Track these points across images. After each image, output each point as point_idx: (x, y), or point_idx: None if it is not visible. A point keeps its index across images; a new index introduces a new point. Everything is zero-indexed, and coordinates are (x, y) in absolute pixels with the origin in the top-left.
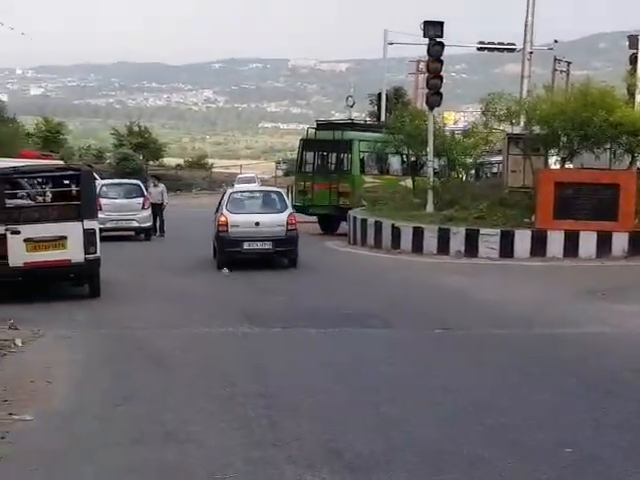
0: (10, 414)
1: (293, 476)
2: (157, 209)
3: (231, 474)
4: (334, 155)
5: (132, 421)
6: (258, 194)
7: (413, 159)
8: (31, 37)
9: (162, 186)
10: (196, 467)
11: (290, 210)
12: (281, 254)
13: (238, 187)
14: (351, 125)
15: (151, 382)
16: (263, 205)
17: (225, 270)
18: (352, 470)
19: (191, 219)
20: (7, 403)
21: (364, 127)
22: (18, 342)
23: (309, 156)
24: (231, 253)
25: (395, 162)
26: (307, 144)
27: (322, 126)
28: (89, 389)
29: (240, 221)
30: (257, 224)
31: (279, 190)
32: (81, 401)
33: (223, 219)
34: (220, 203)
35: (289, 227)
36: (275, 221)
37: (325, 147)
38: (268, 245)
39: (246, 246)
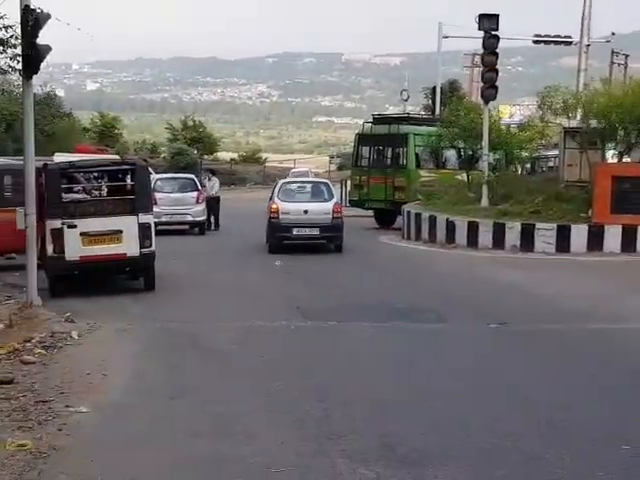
0: (67, 406)
1: (347, 470)
2: (212, 203)
3: (285, 468)
4: (390, 149)
5: (187, 414)
6: (307, 184)
7: (469, 153)
8: (91, 35)
9: (215, 179)
10: (250, 460)
11: (336, 200)
12: (327, 240)
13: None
14: (407, 119)
15: (205, 375)
16: (311, 195)
17: (278, 262)
18: (406, 464)
19: (245, 213)
20: (64, 395)
21: (420, 121)
22: (74, 335)
23: (365, 150)
24: (281, 238)
25: (451, 156)
26: (363, 138)
27: (378, 120)
28: (144, 382)
29: (290, 209)
30: (305, 212)
31: (326, 181)
32: (136, 394)
33: (275, 207)
34: (273, 193)
35: (335, 215)
36: (322, 209)
37: (381, 141)
38: (315, 231)
39: (295, 232)
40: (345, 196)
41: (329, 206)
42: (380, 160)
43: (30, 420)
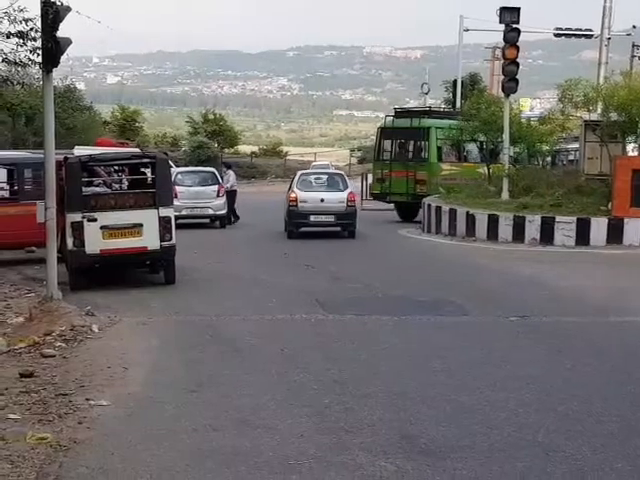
0: (87, 399)
1: (367, 462)
2: (229, 196)
3: (305, 460)
4: (411, 143)
5: (207, 407)
6: (323, 175)
7: (491, 146)
8: (111, 27)
9: (230, 173)
10: (270, 453)
11: (350, 189)
12: (342, 226)
13: None
14: (428, 112)
15: (225, 368)
16: (327, 185)
17: (285, 253)
18: (426, 456)
19: (265, 207)
20: (84, 388)
21: (441, 114)
22: (95, 328)
23: (387, 144)
24: (300, 224)
25: (473, 149)
26: (385, 132)
27: (400, 114)
28: (164, 375)
29: (308, 197)
30: (322, 200)
31: (341, 172)
32: (156, 387)
33: (294, 196)
34: (292, 183)
35: (349, 204)
36: (337, 198)
37: (402, 135)
38: (331, 218)
39: (312, 218)
40: (366, 189)
41: (344, 195)
42: (402, 153)
43: (50, 413)
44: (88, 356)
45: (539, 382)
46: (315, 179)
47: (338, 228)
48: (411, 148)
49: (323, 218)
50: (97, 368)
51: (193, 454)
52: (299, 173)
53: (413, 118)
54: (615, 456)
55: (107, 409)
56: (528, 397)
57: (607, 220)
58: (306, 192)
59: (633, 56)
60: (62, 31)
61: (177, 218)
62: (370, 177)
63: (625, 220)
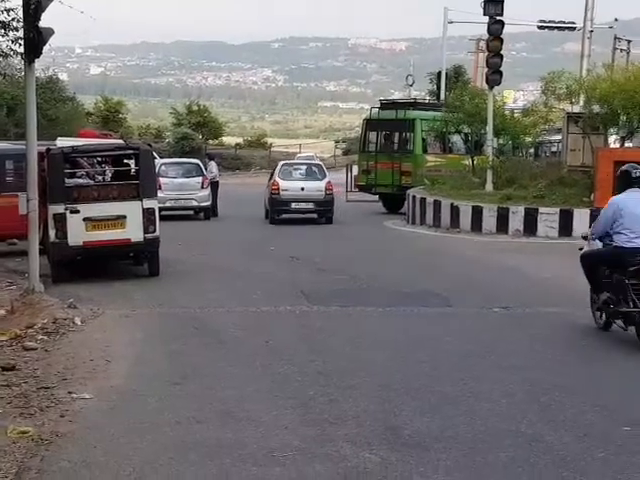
0: (69, 392)
1: (351, 454)
2: (211, 188)
3: (289, 452)
4: (397, 134)
5: (190, 399)
6: (303, 166)
7: (475, 138)
8: (93, 17)
9: (212, 164)
10: (254, 445)
11: (328, 179)
12: (320, 213)
13: None
14: (414, 104)
15: (209, 361)
16: (307, 174)
17: (272, 248)
18: (410, 447)
19: (251, 198)
20: (66, 382)
21: (427, 106)
22: (77, 321)
23: (372, 135)
24: (281, 211)
25: (457, 141)
26: (370, 124)
27: (385, 105)
28: (147, 368)
29: (289, 186)
30: (302, 189)
31: (320, 163)
32: (140, 379)
33: (276, 184)
34: (273, 173)
35: (327, 192)
36: (316, 187)
37: (388, 126)
38: (310, 205)
39: (293, 205)
40: (351, 181)
41: (322, 184)
42: (387, 145)
43: (32, 407)
44: (70, 349)
45: (522, 373)
46: (295, 169)
47: (315, 215)
48: (396, 140)
49: (303, 205)
50: (79, 361)
51: (176, 447)
52: (281, 163)
53: (398, 110)
54: (597, 446)
55: (89, 402)
56: (511, 388)
57: (589, 211)
58: (287, 181)
59: (615, 49)
60: (44, 21)
61: (161, 210)
62: (355, 169)
63: None
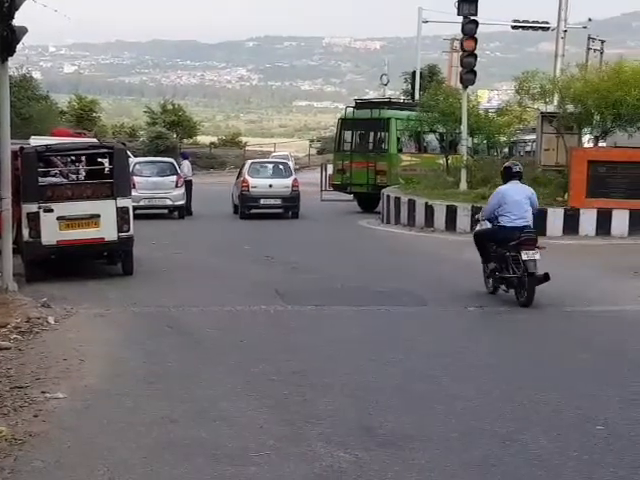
0: (43, 392)
1: (326, 453)
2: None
3: (264, 451)
4: (372, 134)
5: (164, 399)
6: (270, 164)
7: (450, 138)
8: (68, 17)
9: (184, 162)
10: (229, 444)
11: (294, 176)
12: (286, 208)
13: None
14: (388, 104)
15: (184, 360)
16: (274, 172)
17: (247, 246)
18: (385, 447)
19: (225, 196)
20: (40, 381)
21: (401, 106)
22: (51, 320)
23: (347, 135)
24: (251, 207)
25: (432, 140)
26: (345, 123)
27: (360, 105)
28: (122, 367)
29: (258, 183)
30: (270, 186)
31: (286, 161)
32: (114, 379)
33: (246, 182)
34: (241, 171)
35: (293, 188)
36: (283, 184)
37: (363, 126)
38: (278, 201)
39: (262, 201)
40: (326, 180)
41: (289, 181)
42: (362, 144)
43: (5, 406)
44: (44, 348)
45: (497, 372)
46: (263, 167)
47: (282, 210)
48: (371, 139)
49: (272, 201)
50: (53, 360)
51: (151, 447)
52: (249, 162)
53: (373, 109)
54: (571, 445)
55: (63, 402)
56: (486, 387)
57: (563, 211)
58: (256, 179)
59: (589, 48)
60: (18, 19)
61: (135, 209)
62: (330, 168)
63: (581, 211)
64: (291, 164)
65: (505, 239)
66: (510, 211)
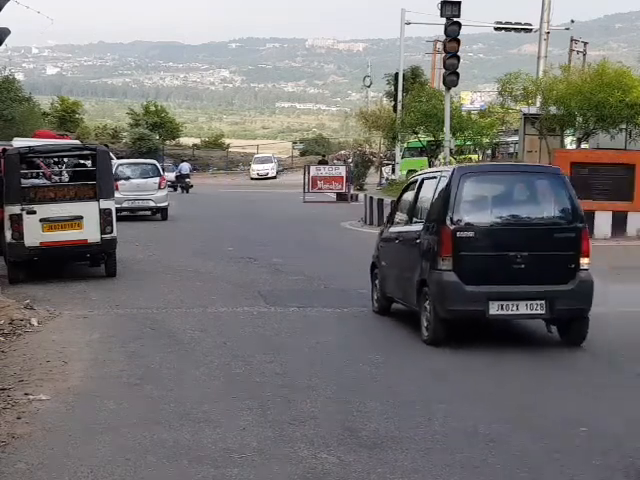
0: (26, 394)
1: (309, 455)
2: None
3: (247, 453)
4: None
5: (148, 401)
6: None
7: (431, 139)
8: (50, 18)
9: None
10: (212, 446)
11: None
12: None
13: (255, 167)
14: None
15: (167, 362)
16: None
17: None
18: (368, 448)
19: (207, 200)
20: (23, 383)
21: None
22: (34, 322)
23: None
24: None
25: None
26: None
27: None
28: (105, 369)
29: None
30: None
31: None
32: (97, 381)
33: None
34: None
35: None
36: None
37: None
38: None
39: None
40: (309, 182)
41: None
42: None
43: None
44: (27, 350)
45: (482, 373)
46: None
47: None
48: None
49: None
50: (36, 362)
51: (134, 448)
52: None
53: None
54: (554, 446)
55: (46, 404)
56: (470, 388)
57: None
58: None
59: (572, 50)
60: (0, 21)
61: (118, 210)
62: (313, 169)
63: None
64: (274, 165)
65: None
66: None
